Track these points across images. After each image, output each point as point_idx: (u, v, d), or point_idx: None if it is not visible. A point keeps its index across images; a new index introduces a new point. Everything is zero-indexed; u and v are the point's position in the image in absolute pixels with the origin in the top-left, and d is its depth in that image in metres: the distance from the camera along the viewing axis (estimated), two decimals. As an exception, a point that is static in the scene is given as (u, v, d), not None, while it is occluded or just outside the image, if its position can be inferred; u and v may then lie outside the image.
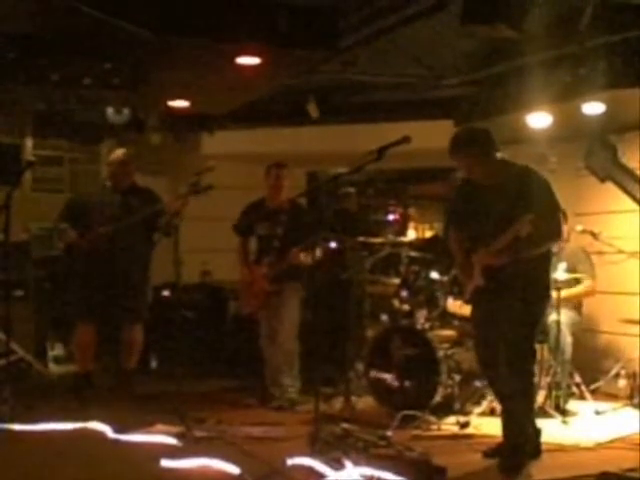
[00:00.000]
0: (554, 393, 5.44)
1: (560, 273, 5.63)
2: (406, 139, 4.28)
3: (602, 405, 5.61)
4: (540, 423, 4.67)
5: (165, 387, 5.80)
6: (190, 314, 7.15)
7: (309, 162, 8.25)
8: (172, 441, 4.72)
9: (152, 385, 6.32)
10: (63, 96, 5.97)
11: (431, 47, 5.67)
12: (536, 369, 5.39)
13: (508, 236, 4.16)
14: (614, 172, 5.46)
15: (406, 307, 5.96)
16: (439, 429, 5.13)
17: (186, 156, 7.91)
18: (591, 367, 6.22)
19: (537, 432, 4.55)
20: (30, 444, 4.73)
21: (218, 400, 6.09)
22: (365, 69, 6.21)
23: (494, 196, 4.36)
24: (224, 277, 7.45)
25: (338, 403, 5.69)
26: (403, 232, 7.96)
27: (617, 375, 5.99)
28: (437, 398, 5.34)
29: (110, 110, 6.52)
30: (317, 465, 4.14)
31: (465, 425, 5.11)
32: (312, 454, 4.26)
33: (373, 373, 5.60)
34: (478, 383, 5.47)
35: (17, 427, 4.95)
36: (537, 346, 5.40)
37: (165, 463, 4.26)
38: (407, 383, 5.44)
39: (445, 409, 5.39)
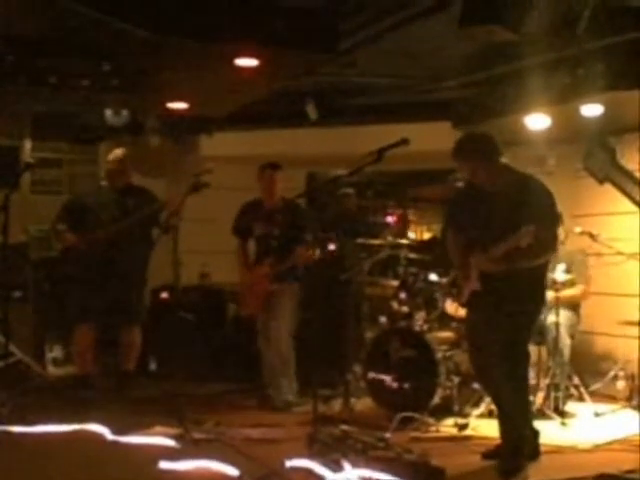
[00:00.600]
0: (553, 395, 5.44)
1: (559, 274, 5.64)
2: (405, 141, 4.27)
3: (601, 407, 5.61)
4: (539, 425, 4.68)
5: (164, 389, 5.80)
6: (189, 316, 7.12)
7: (308, 164, 8.25)
8: (171, 443, 4.72)
9: (151, 387, 6.30)
10: (62, 98, 5.98)
11: (430, 49, 5.67)
12: (534, 371, 5.42)
13: (509, 244, 4.13)
14: (613, 174, 5.44)
15: (405, 309, 5.95)
16: (438, 431, 5.13)
17: (185, 158, 7.89)
18: (590, 369, 6.22)
19: (535, 434, 4.55)
20: (29, 446, 4.73)
21: (217, 402, 6.09)
22: (364, 71, 6.22)
23: (496, 202, 4.35)
24: (223, 279, 7.44)
25: (337, 405, 5.68)
26: (402, 234, 7.94)
27: (616, 377, 5.99)
28: (436, 400, 5.35)
29: (109, 112, 6.52)
30: (316, 467, 4.14)
31: (464, 427, 5.11)
32: (311, 456, 4.26)
33: (372, 375, 5.60)
34: (476, 385, 5.45)
35: (16, 429, 4.96)
36: (536, 348, 5.45)
37: (164, 465, 4.27)
38: (406, 385, 5.44)
39: (444, 411, 5.39)
